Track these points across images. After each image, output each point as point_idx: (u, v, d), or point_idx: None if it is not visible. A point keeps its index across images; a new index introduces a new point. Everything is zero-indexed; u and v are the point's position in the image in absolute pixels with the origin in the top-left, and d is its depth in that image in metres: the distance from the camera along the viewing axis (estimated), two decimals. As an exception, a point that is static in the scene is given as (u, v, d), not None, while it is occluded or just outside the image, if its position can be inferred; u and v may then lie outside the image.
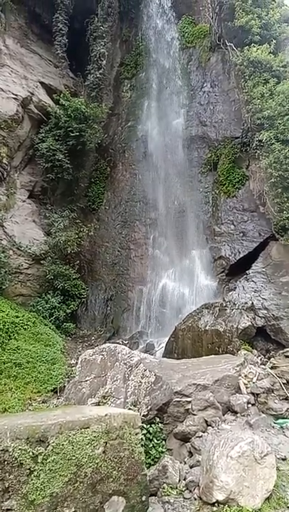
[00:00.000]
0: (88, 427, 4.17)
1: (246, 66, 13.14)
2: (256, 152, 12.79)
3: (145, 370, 6.82)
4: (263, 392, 7.51)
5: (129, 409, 6.46)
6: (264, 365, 9.12)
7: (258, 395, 7.54)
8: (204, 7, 16.80)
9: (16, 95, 14.79)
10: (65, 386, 9.98)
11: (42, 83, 16.19)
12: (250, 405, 7.38)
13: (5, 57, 15.23)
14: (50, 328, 13.19)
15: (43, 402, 9.70)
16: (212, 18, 15.59)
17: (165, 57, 18.17)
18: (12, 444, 3.77)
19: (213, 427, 6.77)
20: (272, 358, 9.09)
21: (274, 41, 13.20)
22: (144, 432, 6.20)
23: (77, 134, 15.38)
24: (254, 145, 12.96)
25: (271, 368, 8.20)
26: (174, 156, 16.85)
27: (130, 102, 18.60)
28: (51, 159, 15.26)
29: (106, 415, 4.34)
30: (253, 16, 13.55)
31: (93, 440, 4.17)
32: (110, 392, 6.91)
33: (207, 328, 11.57)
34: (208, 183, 15.91)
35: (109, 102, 18.10)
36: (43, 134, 15.55)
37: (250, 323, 11.20)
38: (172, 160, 16.87)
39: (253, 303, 11.74)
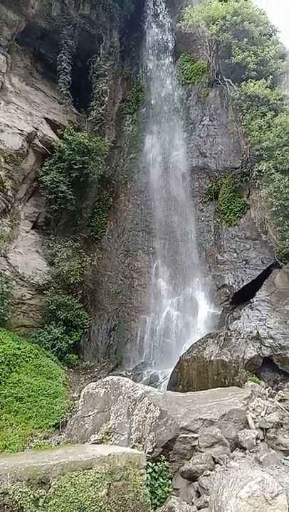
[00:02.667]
0: (91, 468, 4.02)
1: (244, 100, 13.59)
2: (256, 182, 13.00)
3: (150, 404, 6.65)
4: (272, 427, 7.26)
5: (134, 446, 6.26)
6: (272, 397, 8.87)
7: (266, 429, 7.29)
8: (202, 45, 17.53)
9: (21, 131, 15.28)
10: (67, 421, 9.71)
11: (46, 119, 16.75)
12: (259, 441, 7.13)
13: (11, 95, 15.85)
14: (52, 359, 12.97)
15: (44, 439, 9.38)
16: (210, 56, 16.27)
17: (165, 93, 18.85)
18: (12, 487, 3.63)
19: (221, 465, 6.51)
20: (280, 391, 8.86)
21: (270, 76, 13.72)
22: (150, 470, 5.97)
23: (81, 166, 15.76)
24: (254, 175, 13.20)
25: (280, 400, 7.97)
26: (176, 187, 17.13)
27: (132, 136, 19.14)
28: (55, 191, 15.56)
29: (109, 455, 4.19)
30: (249, 53, 14.15)
31: (96, 482, 4.01)
32: (114, 428, 6.71)
33: (212, 358, 11.36)
34: (209, 212, 16.08)
35: (111, 136, 18.67)
36: (47, 167, 15.92)
37: (256, 352, 11.00)
38: (174, 190, 17.14)
39: (258, 332, 11.57)
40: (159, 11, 19.76)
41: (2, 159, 14.58)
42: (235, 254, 14.67)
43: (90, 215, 17.99)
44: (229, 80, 14.51)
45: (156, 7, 19.85)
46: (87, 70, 18.26)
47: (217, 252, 15.19)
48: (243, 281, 14.02)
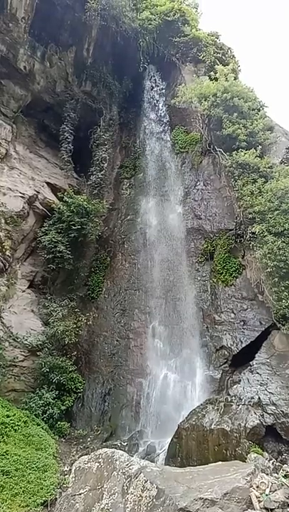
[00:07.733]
0: None
1: (235, 168, 14.39)
2: (250, 243, 13.31)
3: (146, 482, 6.19)
4: (278, 507, 6.70)
5: (128, 531, 5.71)
6: (277, 471, 8.30)
7: (272, 510, 6.71)
8: (195, 119, 18.94)
9: (23, 194, 15.93)
10: (56, 499, 8.94)
11: (48, 183, 17.58)
12: (265, 524, 6.52)
13: (14, 161, 16.74)
14: (42, 428, 12.24)
15: (30, 520, 8.56)
16: (202, 128, 17.51)
17: (161, 160, 19.95)
18: None
19: None
20: (285, 464, 8.28)
21: (259, 146, 14.66)
22: None
23: (79, 227, 16.23)
24: (248, 237, 13.55)
25: (284, 476, 7.43)
26: (172, 247, 17.44)
27: (129, 199, 19.92)
28: (53, 250, 15.83)
29: None
30: (239, 126, 15.26)
31: None
32: (107, 509, 6.20)
33: (212, 427, 10.78)
34: (205, 272, 16.20)
35: (109, 199, 19.50)
36: (46, 228, 16.38)
37: (258, 421, 10.48)
38: (170, 250, 17.43)
39: (259, 398, 11.13)
40: (155, 89, 21.52)
41: (3, 220, 15.00)
42: (232, 315, 14.53)
43: (87, 274, 18.11)
44: (221, 149, 15.46)
45: (152, 85, 21.66)
46: (87, 139, 19.52)
47: (214, 312, 15.04)
48: (241, 342, 13.74)
